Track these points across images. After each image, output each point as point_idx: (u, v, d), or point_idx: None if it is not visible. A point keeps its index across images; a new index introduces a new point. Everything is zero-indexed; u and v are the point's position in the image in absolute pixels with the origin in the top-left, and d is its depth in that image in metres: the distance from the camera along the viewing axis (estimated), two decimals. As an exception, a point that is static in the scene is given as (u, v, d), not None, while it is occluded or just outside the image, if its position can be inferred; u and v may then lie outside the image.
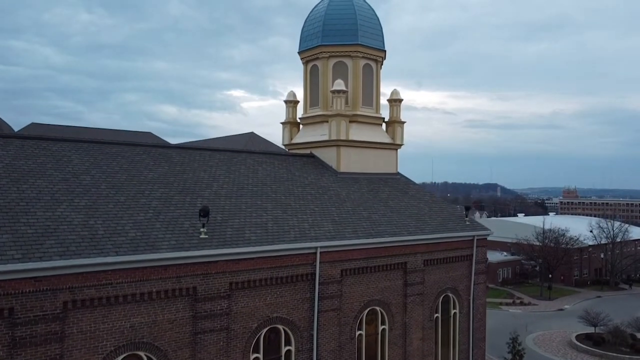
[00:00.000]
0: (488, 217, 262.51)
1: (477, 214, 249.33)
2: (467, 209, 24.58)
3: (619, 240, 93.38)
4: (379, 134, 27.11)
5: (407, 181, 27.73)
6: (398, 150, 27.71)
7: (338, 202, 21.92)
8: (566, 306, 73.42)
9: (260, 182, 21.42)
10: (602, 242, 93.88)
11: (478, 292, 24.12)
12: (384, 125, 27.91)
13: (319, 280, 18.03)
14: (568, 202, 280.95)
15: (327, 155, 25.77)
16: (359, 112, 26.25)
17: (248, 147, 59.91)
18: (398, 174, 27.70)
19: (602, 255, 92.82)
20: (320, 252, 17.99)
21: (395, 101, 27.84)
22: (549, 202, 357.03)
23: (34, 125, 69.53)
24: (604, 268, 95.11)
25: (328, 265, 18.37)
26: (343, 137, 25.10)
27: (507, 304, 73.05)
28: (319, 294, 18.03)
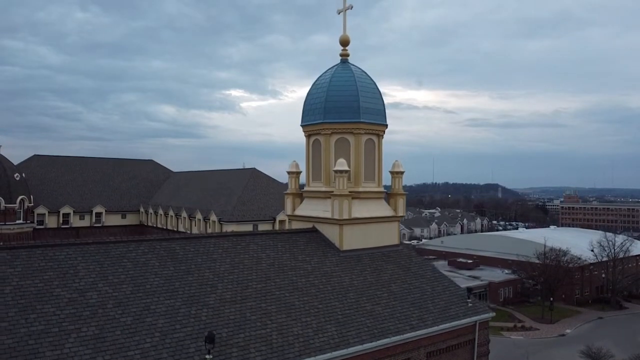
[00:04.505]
0: (489, 221, 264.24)
1: (479, 220, 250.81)
2: (470, 290, 24.77)
3: (621, 256, 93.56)
4: (381, 208, 27.33)
5: (409, 253, 27.97)
6: (399, 221, 28.01)
7: (342, 293, 22.13)
8: (567, 330, 73.72)
9: (264, 275, 21.61)
10: (604, 259, 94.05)
11: (480, 374, 24.32)
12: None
13: (323, 391, 18.23)
14: (569, 207, 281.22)
15: (329, 232, 25.96)
16: (361, 189, 26.45)
17: (250, 182, 60.35)
18: (399, 244, 27.97)
19: (603, 275, 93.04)
20: (324, 364, 18.20)
21: (396, 173, 28.06)
22: (550, 204, 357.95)
23: (36, 157, 70.02)
24: (605, 286, 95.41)
25: (332, 374, 18.58)
26: (345, 217, 25.30)
27: (508, 329, 73.31)
28: (323, 405, 18.23)
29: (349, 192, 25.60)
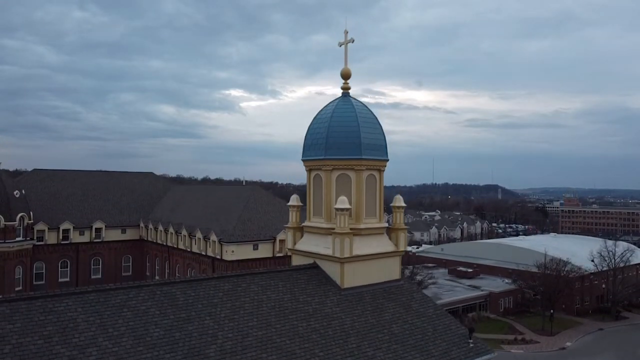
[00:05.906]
0: (489, 224, 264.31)
1: (479, 223, 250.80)
2: (471, 331, 24.65)
3: (621, 266, 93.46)
4: (383, 243, 27.22)
5: (410, 288, 27.85)
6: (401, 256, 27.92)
7: (342, 338, 22.00)
8: (568, 343, 73.60)
9: (264, 321, 21.48)
10: (604, 269, 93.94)
11: (482, 415, 24.20)
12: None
13: None
14: (569, 211, 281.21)
15: (330, 269, 25.83)
16: (362, 226, 26.33)
17: (251, 200, 60.25)
18: (401, 279, 27.87)
19: (603, 286, 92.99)
20: (326, 419, 18.09)
21: (398, 208, 27.98)
22: (549, 206, 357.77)
23: (36, 171, 69.99)
24: (605, 296, 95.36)
25: None
26: (347, 255, 25.17)
27: (508, 342, 73.18)
28: None
29: (350, 229, 25.48)
